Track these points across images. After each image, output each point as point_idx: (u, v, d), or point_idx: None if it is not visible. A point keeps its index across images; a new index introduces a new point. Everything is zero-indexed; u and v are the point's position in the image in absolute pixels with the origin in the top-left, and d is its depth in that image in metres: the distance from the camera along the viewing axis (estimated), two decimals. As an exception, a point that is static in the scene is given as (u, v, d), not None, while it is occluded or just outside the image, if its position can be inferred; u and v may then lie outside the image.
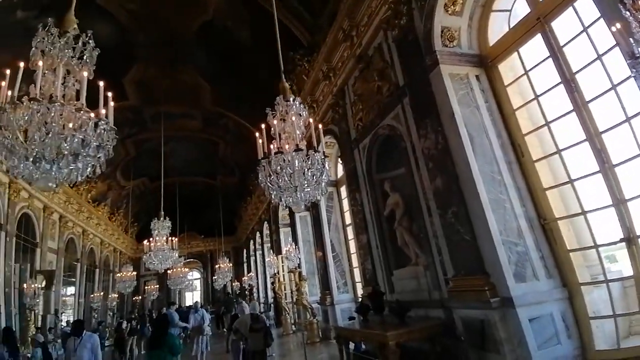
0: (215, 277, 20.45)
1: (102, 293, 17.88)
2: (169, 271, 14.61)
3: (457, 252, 4.50)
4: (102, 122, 2.75)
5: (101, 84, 2.88)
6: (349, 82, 7.46)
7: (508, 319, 3.84)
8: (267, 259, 15.62)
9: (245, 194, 20.86)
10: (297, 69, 9.14)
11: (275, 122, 3.42)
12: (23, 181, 10.03)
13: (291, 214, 12.66)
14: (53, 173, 2.69)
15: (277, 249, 14.57)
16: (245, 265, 26.60)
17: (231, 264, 20.65)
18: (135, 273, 16.77)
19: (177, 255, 10.43)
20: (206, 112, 14.26)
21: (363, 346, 5.85)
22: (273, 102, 3.73)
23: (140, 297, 23.34)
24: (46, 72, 2.70)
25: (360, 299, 7.04)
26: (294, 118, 3.37)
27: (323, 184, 3.32)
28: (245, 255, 26.23)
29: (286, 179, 3.17)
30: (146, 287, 23.23)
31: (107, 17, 9.07)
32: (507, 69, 4.92)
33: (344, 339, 5.44)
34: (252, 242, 22.46)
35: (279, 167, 3.25)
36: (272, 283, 14.94)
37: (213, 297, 26.12)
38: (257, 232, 19.97)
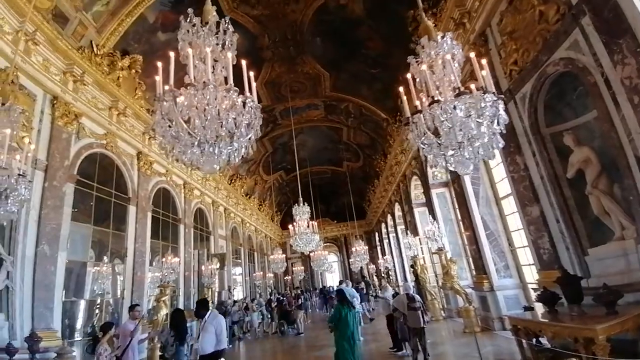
0: (352, 259, 21.17)
1: (261, 272, 20.84)
2: (311, 254, 15.83)
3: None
4: (249, 99, 2.74)
5: (244, 62, 2.89)
6: (491, 21, 6.08)
7: None
8: (403, 241, 15.02)
9: (371, 176, 20.70)
10: (419, 27, 8.09)
11: (423, 67, 2.80)
12: (185, 173, 12.10)
13: (426, 192, 11.67)
14: (215, 156, 2.84)
15: (412, 229, 13.81)
16: (378, 248, 26.73)
17: (366, 247, 20.96)
18: (284, 256, 18.90)
19: (318, 238, 10.98)
20: (327, 100, 14.54)
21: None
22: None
23: (290, 277, 26.35)
24: (197, 62, 2.84)
25: (536, 286, 5.71)
26: (448, 56, 2.68)
27: (498, 134, 2.54)
28: (377, 238, 26.32)
29: (446, 131, 2.54)
30: (293, 268, 26.14)
31: (236, 28, 10.06)
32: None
33: (525, 331, 4.43)
34: (383, 225, 22.20)
35: (435, 123, 2.64)
36: (412, 265, 14.27)
37: (351, 278, 27.30)
38: (388, 215, 19.54)
